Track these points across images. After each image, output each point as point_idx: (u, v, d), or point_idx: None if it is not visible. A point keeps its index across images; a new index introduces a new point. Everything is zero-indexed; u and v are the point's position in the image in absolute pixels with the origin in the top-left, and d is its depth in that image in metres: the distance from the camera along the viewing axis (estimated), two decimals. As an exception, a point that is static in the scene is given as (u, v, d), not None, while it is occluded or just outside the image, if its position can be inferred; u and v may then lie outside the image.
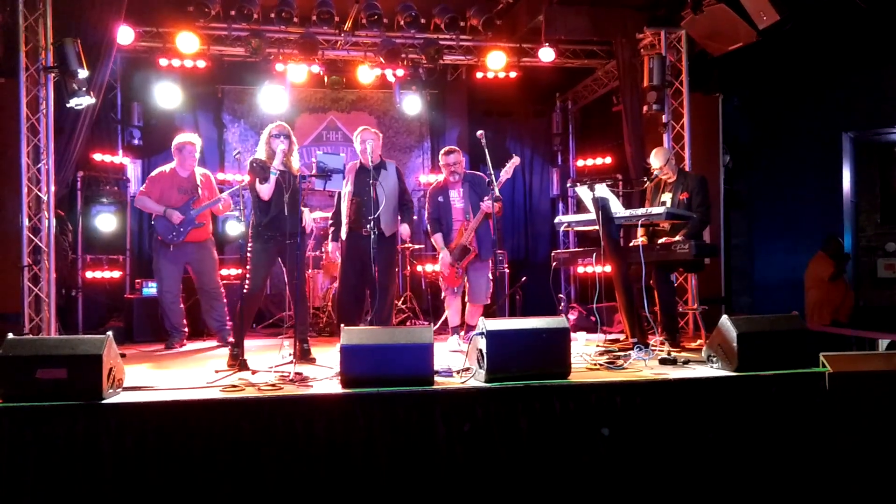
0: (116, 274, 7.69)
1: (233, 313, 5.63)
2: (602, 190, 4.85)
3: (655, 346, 4.72)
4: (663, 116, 6.83)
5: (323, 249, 7.14)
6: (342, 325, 3.62)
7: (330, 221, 5.53)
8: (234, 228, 8.00)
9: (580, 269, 8.43)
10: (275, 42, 7.42)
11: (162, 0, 6.94)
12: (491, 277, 5.57)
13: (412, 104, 7.87)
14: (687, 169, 6.59)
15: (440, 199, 5.63)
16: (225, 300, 5.97)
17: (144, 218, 7.74)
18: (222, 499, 3.17)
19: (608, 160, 8.66)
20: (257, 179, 4.59)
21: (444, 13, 7.14)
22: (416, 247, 7.61)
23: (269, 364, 4.32)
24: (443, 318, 6.08)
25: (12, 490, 3.05)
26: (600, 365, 4.20)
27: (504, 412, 3.41)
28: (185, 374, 4.22)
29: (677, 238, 5.00)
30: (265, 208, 4.66)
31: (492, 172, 4.99)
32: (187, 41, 6.86)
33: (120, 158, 7.98)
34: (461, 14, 7.27)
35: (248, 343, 4.76)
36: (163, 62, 7.25)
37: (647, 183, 5.57)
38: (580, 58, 7.90)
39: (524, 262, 8.98)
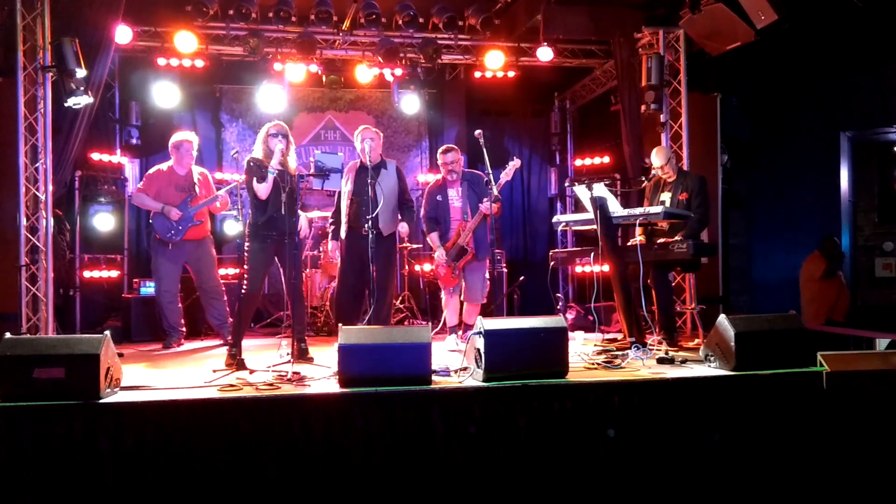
0: (114, 273, 7.69)
1: (232, 313, 5.63)
2: (600, 189, 4.85)
3: (653, 345, 4.73)
4: (661, 116, 6.84)
5: (321, 249, 7.14)
6: (340, 325, 3.62)
7: (330, 220, 5.52)
8: (232, 228, 7.97)
9: (578, 269, 8.43)
10: (273, 41, 7.42)
11: (160, -1, 6.95)
12: (487, 276, 5.57)
13: (410, 103, 7.86)
14: (685, 168, 6.59)
15: (438, 197, 5.62)
16: (225, 298, 5.96)
17: (142, 217, 7.73)
18: (220, 498, 3.17)
19: (606, 160, 8.67)
20: (254, 178, 4.59)
21: (443, 13, 7.14)
22: (415, 246, 7.60)
23: (266, 363, 4.31)
24: (442, 319, 6.07)
25: (10, 489, 3.05)
26: (598, 364, 4.20)
27: (502, 411, 3.41)
28: (183, 374, 4.22)
29: (675, 238, 5.00)
30: (262, 208, 4.65)
31: (490, 172, 4.99)
32: (185, 40, 6.86)
33: (118, 158, 7.97)
34: (459, 13, 7.26)
35: (246, 343, 4.76)
36: (161, 61, 7.26)
37: (646, 182, 5.57)
38: (578, 57, 7.90)
39: (522, 261, 8.98)
